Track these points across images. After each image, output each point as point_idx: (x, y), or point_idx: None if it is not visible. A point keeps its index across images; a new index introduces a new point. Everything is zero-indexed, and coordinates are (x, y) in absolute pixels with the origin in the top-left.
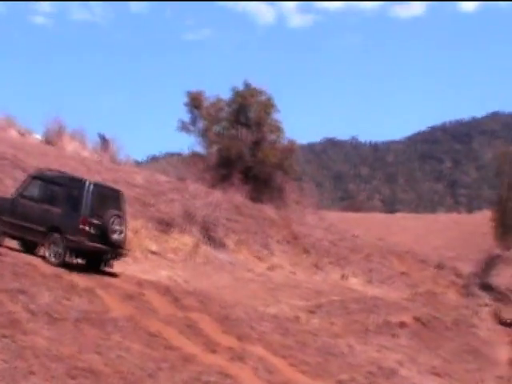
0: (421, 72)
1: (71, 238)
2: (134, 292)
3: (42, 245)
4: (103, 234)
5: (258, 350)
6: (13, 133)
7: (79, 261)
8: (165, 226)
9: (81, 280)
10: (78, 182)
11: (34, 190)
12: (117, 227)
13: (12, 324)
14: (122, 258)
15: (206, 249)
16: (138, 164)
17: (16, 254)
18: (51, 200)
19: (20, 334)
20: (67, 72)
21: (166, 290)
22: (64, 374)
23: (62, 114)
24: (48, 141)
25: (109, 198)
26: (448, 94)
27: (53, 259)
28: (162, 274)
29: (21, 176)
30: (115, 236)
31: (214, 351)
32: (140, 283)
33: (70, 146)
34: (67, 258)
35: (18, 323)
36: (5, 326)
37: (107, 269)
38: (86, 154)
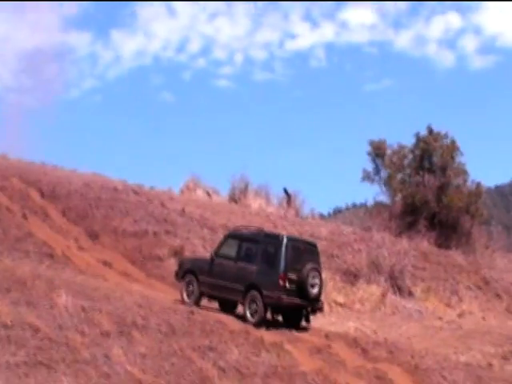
0: None
1: (269, 294)
2: (322, 345)
3: (240, 303)
4: (301, 289)
5: None
6: (200, 193)
7: (275, 317)
8: (351, 276)
9: (268, 335)
10: (274, 238)
11: (230, 249)
12: (315, 281)
13: (202, 381)
14: (319, 312)
15: (393, 298)
16: (322, 217)
17: (205, 312)
18: (247, 257)
19: None
20: (251, 130)
21: (353, 342)
22: None
23: (246, 171)
24: (233, 199)
25: (305, 251)
26: None
27: (251, 317)
28: (350, 326)
29: (208, 235)
30: (314, 290)
31: None
32: (328, 335)
33: (255, 203)
34: (265, 315)
35: (208, 380)
36: (195, 383)
37: (306, 324)
38: (270, 209)
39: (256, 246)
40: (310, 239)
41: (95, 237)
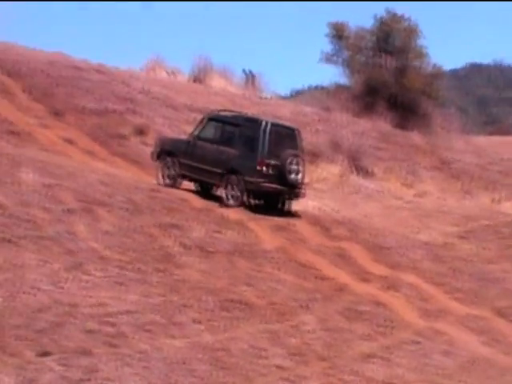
0: None
1: (249, 179)
2: (284, 223)
3: (219, 186)
4: (280, 175)
5: (411, 277)
6: (162, 73)
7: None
8: (312, 156)
9: (231, 213)
10: (255, 122)
11: (210, 131)
12: (295, 167)
13: (166, 258)
14: (300, 198)
15: (353, 178)
16: (282, 98)
17: (168, 190)
18: (227, 141)
19: (174, 267)
20: (211, 10)
21: (315, 220)
22: (217, 306)
23: (208, 52)
24: (196, 79)
25: (285, 136)
26: None
27: (230, 201)
28: (311, 205)
29: (172, 114)
30: (293, 176)
31: (365, 280)
32: (290, 214)
33: (217, 83)
34: (244, 200)
35: (171, 257)
36: (159, 261)
37: (285, 209)
38: (232, 90)
39: (236, 129)
40: (291, 124)
41: (58, 115)
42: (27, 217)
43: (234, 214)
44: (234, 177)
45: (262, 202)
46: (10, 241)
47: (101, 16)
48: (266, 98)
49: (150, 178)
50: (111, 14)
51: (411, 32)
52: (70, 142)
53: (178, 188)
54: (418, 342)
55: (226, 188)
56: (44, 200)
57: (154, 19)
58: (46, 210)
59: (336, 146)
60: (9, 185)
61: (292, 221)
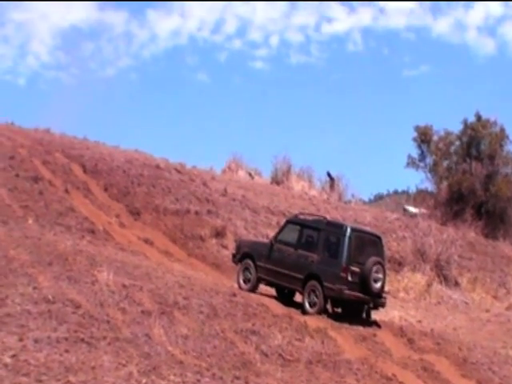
0: None
1: (330, 286)
2: (367, 333)
3: (299, 292)
4: (364, 283)
5: None
6: (241, 173)
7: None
8: (396, 264)
9: (312, 321)
10: (338, 227)
11: (291, 235)
12: (379, 276)
13: (245, 365)
14: (381, 308)
15: (438, 288)
16: (364, 203)
17: (248, 294)
18: (308, 245)
19: (253, 375)
20: (290, 113)
21: (399, 331)
22: None
23: (288, 153)
24: (275, 180)
25: (368, 243)
26: None
27: (310, 308)
28: (394, 314)
29: (250, 216)
30: (377, 285)
31: None
32: (372, 324)
33: (298, 185)
34: (325, 307)
35: (250, 364)
36: (237, 368)
37: (368, 318)
38: (313, 192)
39: (318, 234)
40: (375, 231)
41: (137, 214)
42: (104, 317)
43: (315, 321)
44: (314, 282)
45: (340, 309)
46: (86, 341)
47: (178, 115)
48: (348, 203)
49: (229, 281)
50: (188, 114)
51: (500, 137)
52: (147, 241)
53: (257, 293)
54: None
55: (306, 294)
56: (121, 301)
57: (234, 119)
58: (122, 311)
59: (421, 255)
60: (87, 284)
61: (375, 331)
